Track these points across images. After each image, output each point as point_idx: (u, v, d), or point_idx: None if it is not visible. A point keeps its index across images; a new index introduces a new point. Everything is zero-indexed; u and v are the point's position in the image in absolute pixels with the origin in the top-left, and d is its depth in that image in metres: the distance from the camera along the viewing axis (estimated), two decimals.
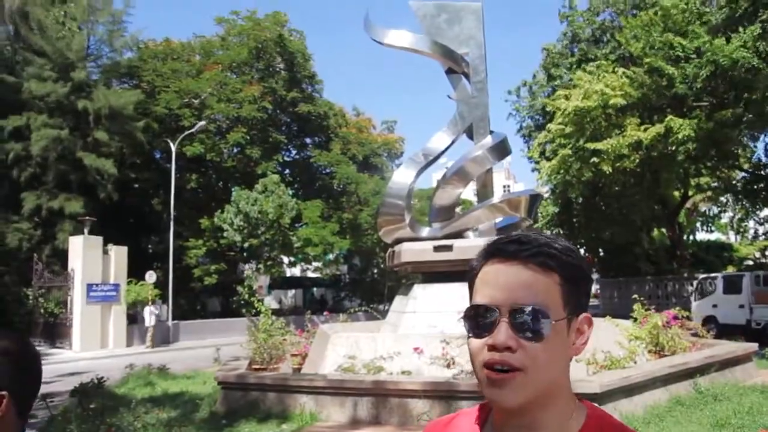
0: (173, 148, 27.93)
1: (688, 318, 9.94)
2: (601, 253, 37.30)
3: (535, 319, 0.97)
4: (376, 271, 40.35)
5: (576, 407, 1.05)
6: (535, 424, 1.01)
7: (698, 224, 44.09)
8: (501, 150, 11.12)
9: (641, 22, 23.42)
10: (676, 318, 9.69)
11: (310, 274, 44.25)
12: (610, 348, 8.10)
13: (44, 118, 26.48)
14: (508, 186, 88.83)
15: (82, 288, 23.03)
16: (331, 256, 36.29)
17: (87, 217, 24.22)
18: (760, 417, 6.73)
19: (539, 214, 33.09)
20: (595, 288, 44.61)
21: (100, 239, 24.06)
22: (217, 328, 27.14)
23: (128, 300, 24.26)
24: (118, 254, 24.66)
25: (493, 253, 1.05)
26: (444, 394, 6.97)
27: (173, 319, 26.57)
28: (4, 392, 1.38)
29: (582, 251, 36.82)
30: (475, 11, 11.96)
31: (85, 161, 26.82)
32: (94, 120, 27.32)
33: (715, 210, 40.97)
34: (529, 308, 0.97)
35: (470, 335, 1.02)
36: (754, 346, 10.46)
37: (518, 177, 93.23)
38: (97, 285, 23.44)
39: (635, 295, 10.00)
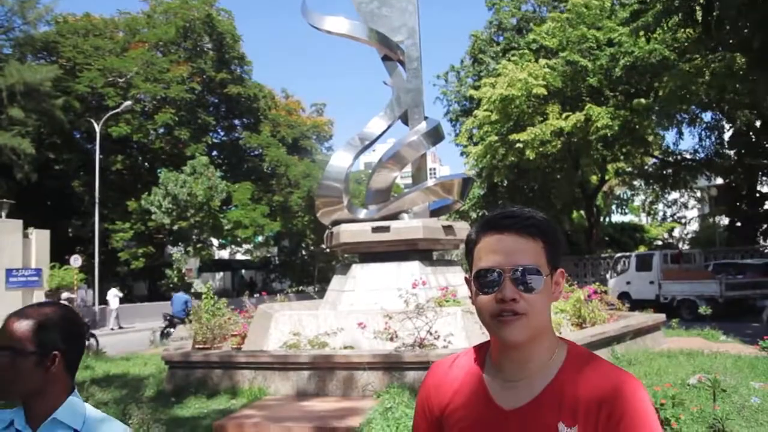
0: (97, 128, 26.99)
1: (606, 293, 10.82)
2: None
3: (531, 275, 1.24)
4: (305, 253, 40.50)
5: (558, 343, 1.33)
6: (530, 356, 1.28)
7: (614, 207, 46.59)
8: (435, 135, 11.59)
9: (555, 22, 24.60)
10: (596, 293, 10.54)
11: (239, 257, 43.91)
12: None
13: None
14: (434, 169, 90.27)
15: (1, 274, 22.08)
16: (260, 239, 36.17)
17: (4, 200, 23.14)
18: (666, 377, 7.56)
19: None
20: None
21: (19, 223, 23.03)
22: (145, 312, 26.67)
23: (52, 285, 23.44)
24: (40, 238, 23.71)
25: (490, 226, 1.31)
26: (389, 366, 7.42)
27: (99, 303, 25.91)
28: (56, 352, 1.65)
29: None
30: None
31: None
32: (7, 97, 25.98)
33: (629, 193, 43.45)
34: (527, 268, 1.24)
35: (479, 293, 1.27)
36: (662, 317, 11.52)
37: (444, 160, 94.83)
38: (17, 270, 22.51)
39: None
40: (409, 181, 14.40)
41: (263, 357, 8.05)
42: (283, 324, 9.07)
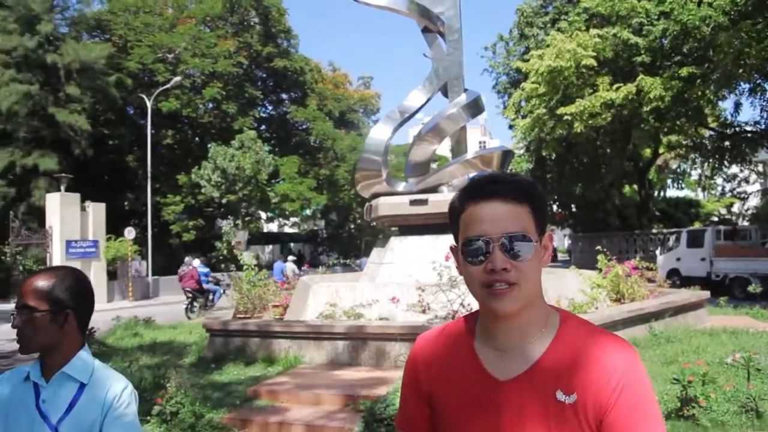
0: (149, 103, 27.71)
1: (648, 268, 10.58)
2: (573, 209, 38.17)
3: (521, 243, 1.19)
4: (352, 226, 40.88)
5: (551, 311, 1.29)
6: (524, 325, 1.24)
7: (669, 181, 45.18)
8: (475, 108, 11.46)
9: None
10: (636, 268, 10.33)
11: (287, 230, 44.63)
12: (574, 296, 8.68)
13: (12, 72, 25.95)
14: (484, 142, 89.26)
15: (61, 245, 23.11)
16: (308, 212, 36.66)
17: (63, 174, 24.14)
18: (704, 354, 7.39)
19: (513, 170, 33.73)
20: (567, 242, 45.72)
21: (77, 196, 24.01)
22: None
23: (107, 256, 24.43)
24: (96, 211, 24.68)
25: (475, 193, 1.25)
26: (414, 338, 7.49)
27: (153, 274, 26.84)
28: (68, 310, 1.80)
29: (554, 207, 37.60)
30: None
31: (57, 117, 26.51)
32: (64, 75, 26.88)
33: (685, 167, 41.98)
34: (516, 235, 1.19)
35: (468, 263, 1.22)
36: (706, 294, 11.20)
37: (494, 133, 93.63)
38: (76, 242, 23.54)
39: (598, 247, 10.61)
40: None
41: (298, 327, 8.25)
42: (320, 295, 9.24)
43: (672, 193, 47.20)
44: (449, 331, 1.39)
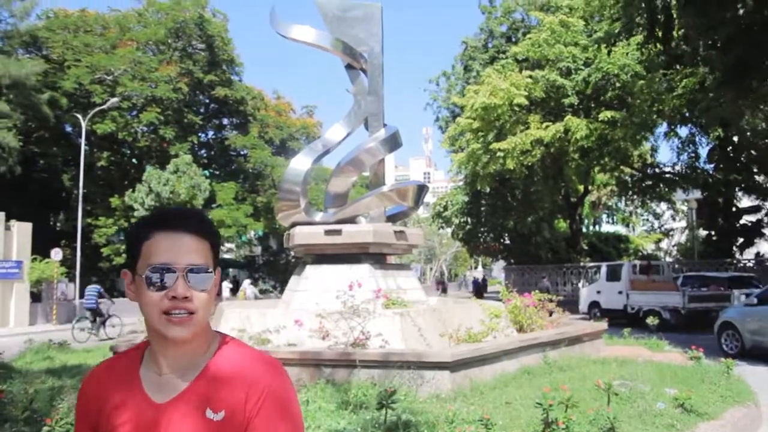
0: (83, 124, 27.31)
1: (550, 300, 11.17)
2: (506, 241, 39.20)
3: (204, 274, 1.31)
4: (291, 253, 40.81)
5: (214, 335, 1.42)
6: (189, 351, 1.35)
7: (604, 216, 47.03)
8: (393, 142, 11.95)
9: (531, 42, 25.16)
10: (540, 300, 10.93)
11: (224, 256, 44.17)
12: (473, 325, 9.13)
13: None
14: (428, 173, 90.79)
15: None
16: (245, 238, 36.48)
17: None
18: (590, 382, 7.89)
19: (449, 203, 34.56)
20: (500, 275, 46.75)
21: (1, 215, 23.37)
22: (125, 307, 26.85)
23: (32, 278, 23.75)
24: (21, 230, 24.03)
25: (163, 224, 1.34)
26: (318, 362, 7.79)
27: (80, 297, 26.15)
28: None
29: (488, 238, 38.54)
30: (375, 10, 12.69)
31: None
32: None
33: (618, 203, 43.95)
34: (200, 267, 1.31)
35: (149, 289, 1.29)
36: (603, 325, 11.85)
37: (439, 165, 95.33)
38: None
39: (501, 280, 11.16)
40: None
41: None
42: (232, 320, 9.43)
43: (606, 228, 49.15)
44: (119, 362, 1.45)
